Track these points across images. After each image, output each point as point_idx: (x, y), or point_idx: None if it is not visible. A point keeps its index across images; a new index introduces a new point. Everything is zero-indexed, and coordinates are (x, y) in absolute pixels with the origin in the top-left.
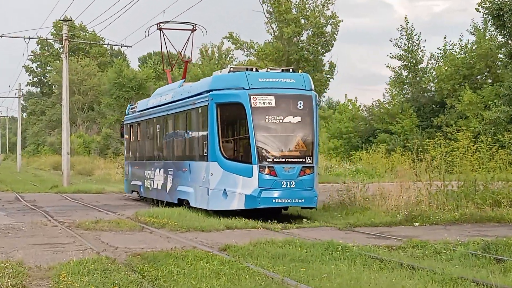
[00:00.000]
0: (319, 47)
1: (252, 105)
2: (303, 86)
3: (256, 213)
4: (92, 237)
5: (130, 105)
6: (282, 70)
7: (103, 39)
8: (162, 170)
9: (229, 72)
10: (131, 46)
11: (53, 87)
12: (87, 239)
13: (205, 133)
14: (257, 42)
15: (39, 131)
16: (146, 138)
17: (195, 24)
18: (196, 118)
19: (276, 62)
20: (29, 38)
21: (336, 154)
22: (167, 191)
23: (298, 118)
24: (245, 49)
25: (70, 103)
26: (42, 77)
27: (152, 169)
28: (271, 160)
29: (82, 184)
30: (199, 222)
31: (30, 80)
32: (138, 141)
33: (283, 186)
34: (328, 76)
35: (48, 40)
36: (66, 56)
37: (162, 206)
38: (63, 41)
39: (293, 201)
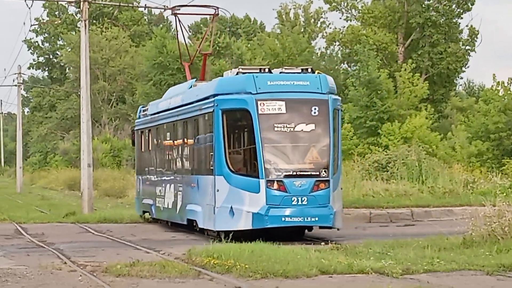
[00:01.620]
0: (454, 6)
1: (259, 112)
2: (318, 89)
3: (274, 234)
4: (127, 287)
5: (142, 107)
6: (302, 70)
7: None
8: (172, 186)
9: (237, 74)
10: (179, 9)
11: (67, 70)
12: None
13: (211, 143)
14: (361, 0)
15: (47, 133)
16: (157, 148)
17: (217, 8)
18: (203, 126)
19: (390, 28)
20: None
21: (480, 163)
22: (177, 210)
23: (311, 126)
24: (344, 11)
25: (91, 92)
26: (51, 56)
27: (163, 185)
28: (280, 173)
29: (110, 210)
30: (280, 264)
31: (34, 60)
32: (149, 151)
33: (293, 203)
34: (467, 48)
35: (59, 3)
36: (85, 25)
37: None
38: (81, 3)
39: (305, 220)
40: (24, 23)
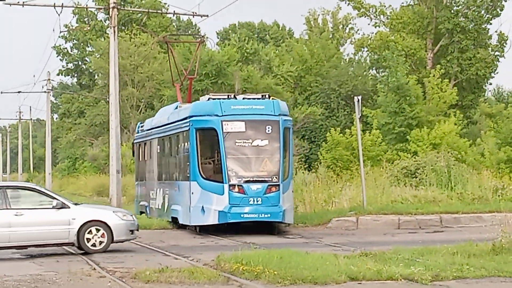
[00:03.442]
0: (483, 11)
1: (224, 130)
2: (272, 112)
3: (242, 228)
4: None
5: (140, 123)
6: (262, 97)
7: (167, 6)
8: (161, 190)
9: (208, 100)
10: (208, 16)
11: (96, 77)
12: None
13: (188, 155)
14: (390, 6)
15: (76, 140)
16: (150, 158)
17: (202, 36)
18: (182, 141)
19: (419, 33)
20: (62, 6)
21: (510, 169)
22: (165, 210)
23: (266, 141)
24: (372, 17)
25: (120, 99)
26: (80, 62)
27: (155, 189)
28: (240, 179)
29: (138, 216)
30: (309, 271)
31: (63, 66)
32: (145, 161)
33: (250, 203)
34: (496, 53)
35: (88, 9)
36: (114, 32)
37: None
38: (110, 10)
39: (260, 216)
40: (53, 30)
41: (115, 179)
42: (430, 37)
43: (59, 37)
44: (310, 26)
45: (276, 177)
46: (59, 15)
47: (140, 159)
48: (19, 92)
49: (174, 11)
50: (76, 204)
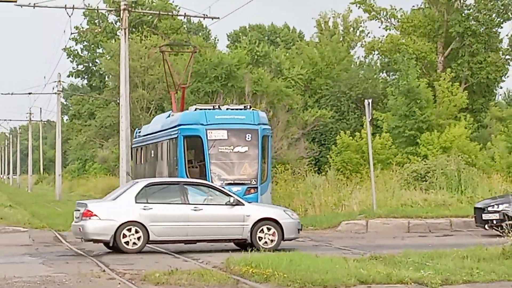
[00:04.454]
0: (494, 15)
1: (208, 138)
2: (252, 121)
3: None
4: None
5: (138, 129)
6: (244, 107)
7: (177, 8)
8: None
9: (195, 110)
10: (218, 18)
11: (106, 78)
12: None
13: (176, 159)
14: (401, 9)
15: (86, 141)
16: (145, 162)
17: (195, 47)
18: (172, 147)
19: (430, 36)
20: (73, 8)
21: None
22: None
23: (245, 148)
24: (383, 20)
25: (130, 100)
26: (90, 64)
27: None
28: (222, 182)
29: None
30: (319, 274)
31: (73, 68)
32: (141, 164)
33: None
34: (507, 57)
35: (99, 11)
36: (125, 33)
37: None
38: (121, 11)
39: None
40: (64, 31)
41: (125, 181)
42: (441, 41)
43: (69, 38)
44: (321, 29)
45: (255, 180)
46: (70, 16)
47: (137, 163)
48: (29, 93)
49: (185, 13)
50: (248, 202)
